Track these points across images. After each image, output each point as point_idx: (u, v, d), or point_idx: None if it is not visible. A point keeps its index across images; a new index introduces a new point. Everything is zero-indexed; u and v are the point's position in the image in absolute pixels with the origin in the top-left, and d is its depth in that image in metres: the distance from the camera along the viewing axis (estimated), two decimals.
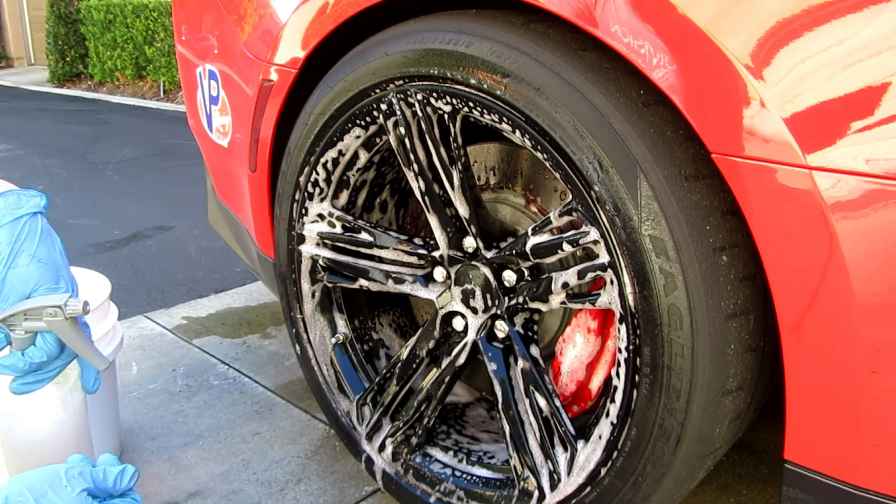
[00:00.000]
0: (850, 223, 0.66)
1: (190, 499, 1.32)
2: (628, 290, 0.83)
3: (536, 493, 1.01)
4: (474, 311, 1.08)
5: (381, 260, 1.18)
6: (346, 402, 1.28)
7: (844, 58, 0.64)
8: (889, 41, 0.62)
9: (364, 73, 1.04)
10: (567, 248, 0.90)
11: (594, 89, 0.81)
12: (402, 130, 1.02)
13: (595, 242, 0.86)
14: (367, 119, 1.07)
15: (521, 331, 1.05)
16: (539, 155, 0.88)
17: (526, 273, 1.02)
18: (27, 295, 0.94)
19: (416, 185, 1.05)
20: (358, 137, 1.11)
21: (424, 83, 0.97)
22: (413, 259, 1.14)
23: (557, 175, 0.87)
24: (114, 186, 3.93)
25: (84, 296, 1.03)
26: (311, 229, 1.22)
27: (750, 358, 0.83)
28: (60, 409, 1.05)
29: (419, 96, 0.98)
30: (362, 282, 1.20)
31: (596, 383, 1.07)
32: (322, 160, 1.16)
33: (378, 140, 1.11)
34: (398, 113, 1.01)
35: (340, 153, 1.14)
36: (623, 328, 0.85)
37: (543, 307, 0.99)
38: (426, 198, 1.05)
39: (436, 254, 1.10)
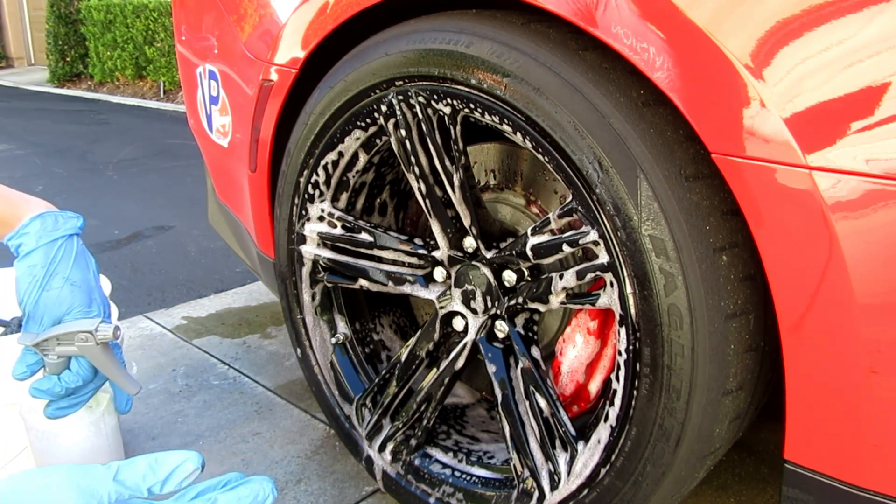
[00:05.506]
0: (850, 223, 0.66)
1: None
2: (628, 290, 0.83)
3: (536, 494, 1.01)
4: (474, 311, 1.08)
5: (381, 260, 1.18)
6: (347, 404, 1.28)
7: (844, 58, 0.64)
8: (889, 41, 0.62)
9: (364, 74, 1.04)
10: (567, 248, 0.90)
11: (594, 89, 0.81)
12: (403, 132, 1.02)
13: (595, 243, 0.86)
14: (368, 120, 1.07)
15: (522, 331, 1.05)
16: (540, 156, 0.88)
17: (526, 273, 1.02)
18: (60, 318, 0.93)
19: (417, 187, 1.05)
20: (358, 139, 1.11)
21: (425, 83, 0.97)
22: (413, 259, 1.14)
23: (559, 177, 0.86)
24: (114, 186, 3.94)
25: None
26: (312, 230, 1.22)
27: (750, 358, 0.83)
28: (93, 434, 1.03)
29: (420, 98, 0.98)
30: (363, 282, 1.20)
31: (595, 384, 1.07)
32: (322, 162, 1.15)
33: (378, 141, 1.11)
34: (398, 114, 1.01)
35: (340, 154, 1.14)
36: (623, 328, 0.85)
37: (543, 307, 0.99)
38: (427, 200, 1.05)
39: (436, 254, 1.10)
